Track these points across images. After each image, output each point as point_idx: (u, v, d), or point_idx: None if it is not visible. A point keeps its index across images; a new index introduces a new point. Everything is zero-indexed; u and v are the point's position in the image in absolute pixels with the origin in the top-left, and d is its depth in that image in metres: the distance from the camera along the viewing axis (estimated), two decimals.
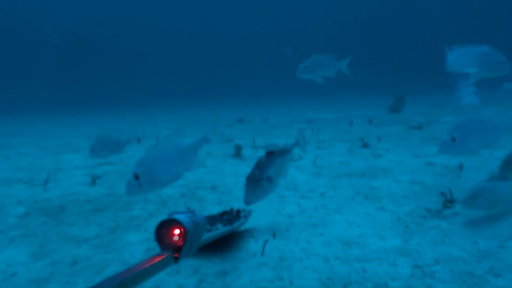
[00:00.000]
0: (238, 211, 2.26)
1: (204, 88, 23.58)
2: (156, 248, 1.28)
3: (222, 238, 2.02)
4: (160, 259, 1.19)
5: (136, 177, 1.75)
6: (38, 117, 12.46)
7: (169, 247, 1.26)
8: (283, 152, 1.98)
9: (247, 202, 1.79)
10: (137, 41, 36.03)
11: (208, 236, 1.88)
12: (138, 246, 2.10)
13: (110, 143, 3.62)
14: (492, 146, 2.63)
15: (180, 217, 1.28)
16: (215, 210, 2.47)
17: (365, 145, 4.62)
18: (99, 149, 3.54)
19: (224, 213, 2.26)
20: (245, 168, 3.82)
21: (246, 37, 37.30)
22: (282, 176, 1.93)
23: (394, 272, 1.69)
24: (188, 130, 5.88)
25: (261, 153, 4.53)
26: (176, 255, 1.25)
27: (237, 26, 38.66)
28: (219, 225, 2.04)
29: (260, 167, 1.83)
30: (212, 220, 2.13)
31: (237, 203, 2.57)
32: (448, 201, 2.41)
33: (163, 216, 1.32)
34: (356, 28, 35.78)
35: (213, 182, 3.33)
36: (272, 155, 1.89)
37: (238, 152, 4.39)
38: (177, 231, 1.26)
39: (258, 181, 1.79)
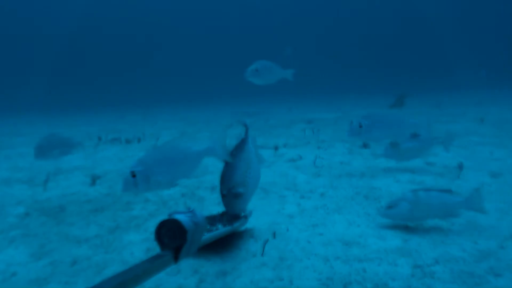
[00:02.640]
0: None
1: (204, 88, 23.57)
2: (156, 248, 1.28)
3: (222, 238, 2.02)
4: (160, 259, 1.19)
5: (133, 175, 1.74)
6: (38, 117, 12.46)
7: (169, 247, 1.26)
8: (237, 147, 1.93)
9: (230, 213, 1.80)
10: (137, 41, 36.05)
11: (208, 236, 1.88)
12: (138, 246, 2.10)
13: (59, 143, 3.38)
14: (399, 138, 3.07)
15: (180, 217, 1.28)
16: (215, 210, 2.47)
17: (365, 145, 4.62)
18: (46, 150, 3.30)
19: (224, 213, 2.26)
20: None
21: (246, 37, 37.30)
22: (257, 163, 1.90)
23: (394, 272, 1.69)
24: (197, 136, 5.90)
25: (261, 153, 4.53)
26: (176, 255, 1.25)
27: (236, 26, 38.67)
28: (219, 225, 2.04)
29: (223, 180, 1.83)
30: (212, 220, 2.13)
31: None
32: None
33: (163, 216, 1.32)
34: (356, 28, 35.77)
35: (213, 182, 3.33)
36: (231, 159, 1.88)
37: None
38: (177, 231, 1.26)
39: (227, 195, 1.79)
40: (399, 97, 8.99)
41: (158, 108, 14.48)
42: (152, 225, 2.37)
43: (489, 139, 4.73)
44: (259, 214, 2.45)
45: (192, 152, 1.95)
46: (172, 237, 1.27)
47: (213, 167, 3.87)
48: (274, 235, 2.13)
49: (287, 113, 9.73)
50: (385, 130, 2.90)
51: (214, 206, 2.69)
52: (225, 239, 2.05)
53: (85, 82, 29.60)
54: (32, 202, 2.95)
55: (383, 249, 1.92)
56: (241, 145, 1.97)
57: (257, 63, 3.23)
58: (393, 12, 35.61)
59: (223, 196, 1.86)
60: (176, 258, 1.25)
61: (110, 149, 5.33)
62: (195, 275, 1.76)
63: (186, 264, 1.84)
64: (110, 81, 29.23)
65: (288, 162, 4.07)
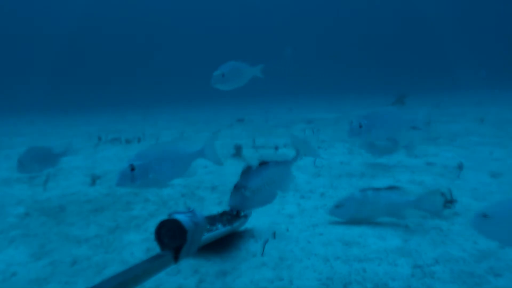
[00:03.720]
0: (238, 211, 2.26)
1: (204, 88, 23.56)
2: (156, 248, 1.28)
3: (222, 238, 2.02)
4: (160, 259, 1.19)
5: (132, 168, 1.73)
6: (38, 117, 12.46)
7: (169, 247, 1.26)
8: (278, 163, 1.93)
9: (230, 206, 1.79)
10: (138, 41, 36.04)
11: (208, 236, 1.88)
12: (138, 246, 2.10)
13: (41, 155, 3.32)
14: (397, 136, 3.09)
15: (180, 217, 1.28)
16: (215, 210, 2.47)
17: None
18: (29, 162, 3.24)
19: (224, 213, 2.26)
20: None
21: (246, 37, 37.31)
22: (280, 188, 1.89)
23: (394, 272, 1.69)
24: (193, 138, 5.89)
25: (261, 153, 4.55)
26: (176, 255, 1.25)
27: (237, 26, 38.67)
28: (219, 225, 2.04)
29: (243, 176, 1.82)
30: (212, 220, 2.13)
31: None
32: (448, 201, 2.41)
33: (163, 216, 1.32)
34: (356, 28, 35.77)
35: (213, 182, 3.33)
36: (264, 165, 1.87)
37: (238, 152, 4.39)
38: (177, 231, 1.26)
39: (239, 189, 1.78)
40: (399, 97, 9.00)
41: (158, 108, 14.48)
42: (152, 225, 2.37)
43: (489, 139, 4.73)
44: (259, 214, 2.45)
45: (185, 153, 1.98)
46: (172, 237, 1.27)
47: (213, 167, 3.88)
48: (274, 235, 2.13)
49: (287, 113, 9.74)
50: (385, 129, 2.90)
51: (214, 206, 2.69)
52: (225, 239, 2.05)
53: (85, 82, 29.61)
54: (32, 202, 2.95)
55: (383, 249, 1.92)
56: (282, 164, 1.96)
57: (223, 66, 2.95)
58: (393, 12, 35.61)
59: (234, 187, 1.85)
60: (176, 258, 1.25)
61: (110, 149, 5.32)
62: (195, 275, 1.76)
63: (186, 264, 1.84)
64: (110, 81, 29.24)
65: None
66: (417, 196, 2.11)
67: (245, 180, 1.75)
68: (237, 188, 1.75)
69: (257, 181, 1.78)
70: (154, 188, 1.92)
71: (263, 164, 1.85)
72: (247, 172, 1.79)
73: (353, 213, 2.21)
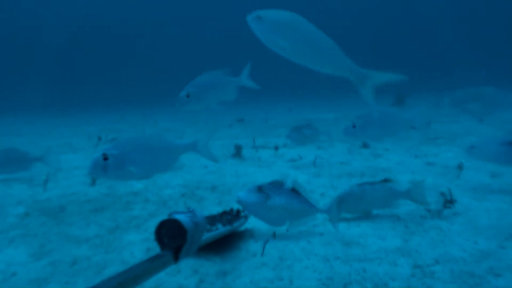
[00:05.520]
0: (238, 211, 2.26)
1: None
2: (156, 248, 1.28)
3: (222, 238, 2.02)
4: (160, 259, 1.19)
5: (105, 158, 1.58)
6: (38, 117, 12.46)
7: (169, 247, 1.26)
8: (302, 200, 2.00)
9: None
10: (138, 41, 36.04)
11: (208, 236, 1.88)
12: (138, 246, 2.10)
13: (14, 158, 3.26)
14: (395, 135, 3.08)
15: (180, 217, 1.28)
16: (215, 210, 2.47)
17: (365, 145, 4.62)
18: (2, 165, 3.20)
19: (224, 213, 2.26)
20: (245, 168, 3.82)
21: (246, 37, 37.27)
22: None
23: (394, 272, 1.69)
24: (186, 132, 5.88)
25: (261, 153, 4.55)
26: (176, 255, 1.25)
27: (236, 26, 38.64)
28: (219, 225, 2.04)
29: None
30: (212, 220, 2.13)
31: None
32: (448, 201, 2.41)
33: (163, 216, 1.32)
34: (356, 27, 35.78)
35: (213, 182, 3.33)
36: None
37: (238, 152, 4.39)
38: (177, 231, 1.26)
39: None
40: (399, 97, 8.99)
41: (158, 108, 14.48)
42: (152, 225, 2.37)
43: None
44: None
45: (172, 145, 1.85)
46: (172, 237, 1.27)
47: (213, 167, 3.88)
48: (274, 235, 2.13)
49: (287, 113, 9.74)
50: (381, 128, 2.94)
51: (214, 206, 2.69)
52: (225, 239, 2.05)
53: (86, 82, 29.60)
54: (32, 202, 2.95)
55: (383, 249, 1.92)
56: (304, 202, 2.01)
57: (189, 85, 2.47)
58: (393, 12, 35.61)
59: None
60: (176, 258, 1.25)
61: None
62: (195, 275, 1.76)
63: (186, 264, 1.83)
64: (110, 81, 29.23)
65: (288, 162, 4.08)
66: (407, 187, 2.32)
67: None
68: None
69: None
70: (132, 180, 1.79)
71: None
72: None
73: (353, 208, 2.30)
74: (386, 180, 2.32)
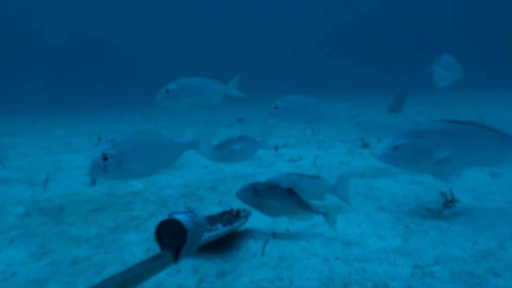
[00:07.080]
0: (238, 211, 2.26)
1: None
2: (156, 248, 1.28)
3: (222, 238, 2.02)
4: (160, 259, 1.19)
5: (105, 158, 1.57)
6: (38, 117, 12.46)
7: (169, 247, 1.26)
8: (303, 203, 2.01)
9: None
10: (138, 41, 36.04)
11: (208, 236, 1.88)
12: (138, 246, 2.10)
13: None
14: (317, 121, 3.26)
15: (180, 217, 1.28)
16: (215, 210, 2.47)
17: (365, 145, 4.62)
18: None
19: (224, 213, 2.26)
20: (245, 168, 3.83)
21: (246, 37, 37.31)
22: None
23: (394, 272, 1.69)
24: (186, 131, 5.89)
25: (261, 153, 4.54)
26: (176, 255, 1.25)
27: (235, 26, 38.66)
28: (219, 225, 2.04)
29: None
30: (212, 220, 2.13)
31: (237, 203, 2.57)
32: (448, 201, 2.41)
33: (163, 216, 1.32)
34: (356, 27, 35.78)
35: (213, 182, 3.33)
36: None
37: None
38: (177, 231, 1.26)
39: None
40: (399, 97, 8.98)
41: (158, 108, 14.46)
42: (152, 225, 2.37)
43: None
44: (259, 214, 2.44)
45: (173, 143, 1.85)
46: (172, 237, 1.27)
47: (213, 167, 3.88)
48: (274, 235, 2.13)
49: None
50: (299, 113, 3.11)
51: (214, 206, 2.69)
52: (225, 239, 2.05)
53: (86, 82, 29.61)
54: (32, 202, 2.95)
55: (383, 249, 1.92)
56: (300, 204, 2.01)
57: (172, 83, 2.55)
58: (393, 12, 35.61)
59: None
60: (176, 258, 1.25)
61: None
62: (195, 275, 1.76)
63: (186, 264, 1.84)
64: (110, 81, 29.24)
65: (288, 162, 4.08)
66: (332, 183, 2.40)
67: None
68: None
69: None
70: (133, 180, 1.79)
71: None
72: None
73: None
74: (314, 176, 2.43)
